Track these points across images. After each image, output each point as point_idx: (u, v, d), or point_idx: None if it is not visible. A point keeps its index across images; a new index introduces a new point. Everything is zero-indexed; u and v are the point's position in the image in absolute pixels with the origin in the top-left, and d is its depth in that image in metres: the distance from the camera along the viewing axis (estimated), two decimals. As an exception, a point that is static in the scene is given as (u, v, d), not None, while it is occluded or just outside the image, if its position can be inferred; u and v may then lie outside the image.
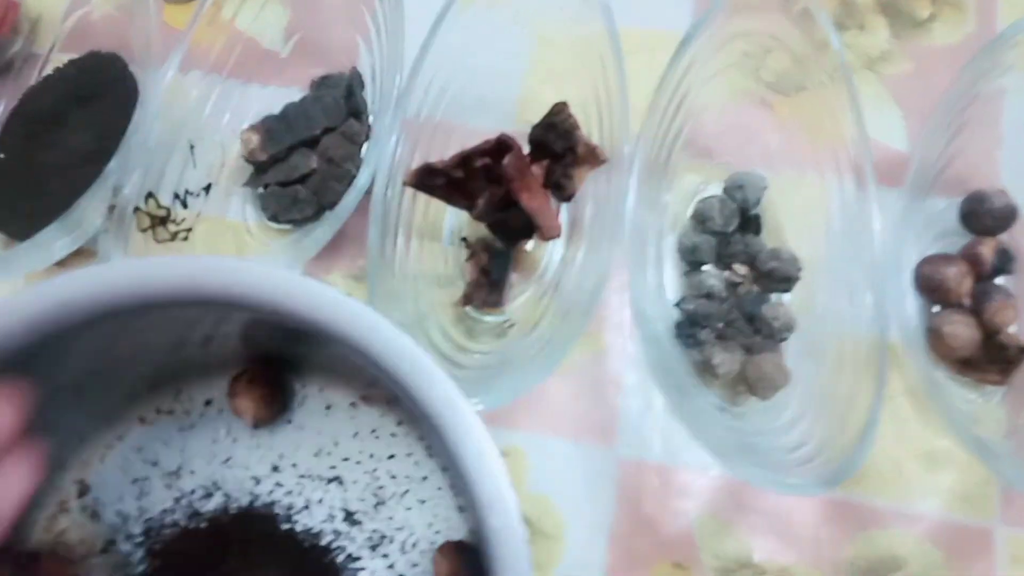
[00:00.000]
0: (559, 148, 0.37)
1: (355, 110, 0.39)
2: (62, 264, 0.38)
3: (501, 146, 0.35)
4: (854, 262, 0.36)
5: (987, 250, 0.37)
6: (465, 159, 0.36)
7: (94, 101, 0.41)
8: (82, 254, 0.39)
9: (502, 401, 0.30)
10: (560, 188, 0.37)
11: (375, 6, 0.40)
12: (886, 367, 0.32)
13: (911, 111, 0.43)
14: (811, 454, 0.32)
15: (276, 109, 0.41)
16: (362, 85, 0.40)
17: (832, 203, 0.38)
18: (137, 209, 0.35)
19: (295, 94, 0.42)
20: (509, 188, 0.35)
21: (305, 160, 0.39)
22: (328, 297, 0.27)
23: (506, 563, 0.25)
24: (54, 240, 0.36)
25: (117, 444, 0.37)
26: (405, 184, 0.37)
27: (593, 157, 0.37)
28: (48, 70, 0.43)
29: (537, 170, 0.37)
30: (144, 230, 0.35)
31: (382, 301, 0.34)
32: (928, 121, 0.36)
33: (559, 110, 0.37)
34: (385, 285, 0.35)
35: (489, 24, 0.39)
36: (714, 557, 0.36)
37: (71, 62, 0.42)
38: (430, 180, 0.37)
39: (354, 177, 0.37)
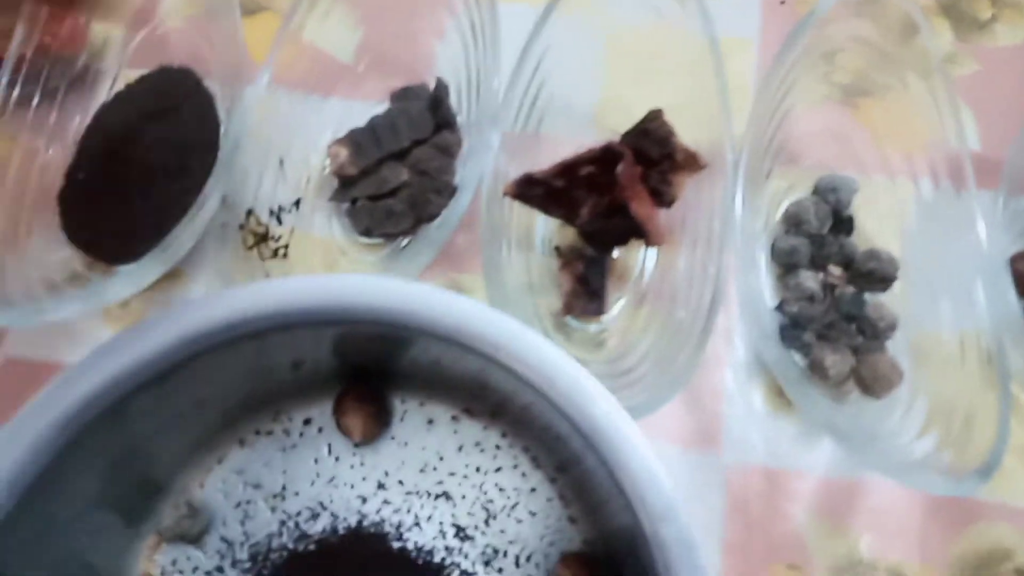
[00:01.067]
0: (655, 154, 0.37)
1: (444, 121, 0.39)
2: (152, 288, 0.37)
3: (609, 155, 0.35)
4: (950, 262, 0.36)
5: (1075, 245, 0.38)
6: (568, 168, 0.36)
7: (168, 116, 0.40)
8: (172, 276, 0.38)
9: (637, 416, 0.30)
10: (659, 194, 0.37)
11: (463, 15, 0.39)
12: (1005, 363, 0.32)
13: (981, 111, 0.44)
14: (934, 448, 0.32)
15: (356, 122, 0.41)
16: (448, 95, 0.40)
17: (920, 204, 0.39)
18: (242, 227, 0.34)
19: (373, 107, 0.42)
20: (621, 196, 0.35)
21: (395, 173, 0.38)
22: (492, 319, 0.27)
23: (683, 572, 0.25)
24: (152, 267, 0.35)
25: (217, 468, 0.36)
26: (505, 195, 0.36)
27: (693, 163, 0.37)
28: (119, 86, 0.42)
29: (635, 177, 0.37)
30: (250, 248, 0.34)
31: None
32: None
33: (654, 117, 0.37)
34: (497, 297, 0.34)
35: (573, 30, 0.39)
36: (826, 557, 0.36)
37: (142, 78, 0.41)
38: (530, 190, 0.37)
39: (454, 188, 0.37)
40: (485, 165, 0.36)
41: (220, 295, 0.28)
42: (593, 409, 0.27)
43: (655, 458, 0.26)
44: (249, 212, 0.35)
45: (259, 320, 0.28)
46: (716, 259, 0.35)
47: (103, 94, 0.42)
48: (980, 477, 0.29)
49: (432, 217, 0.37)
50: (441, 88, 0.39)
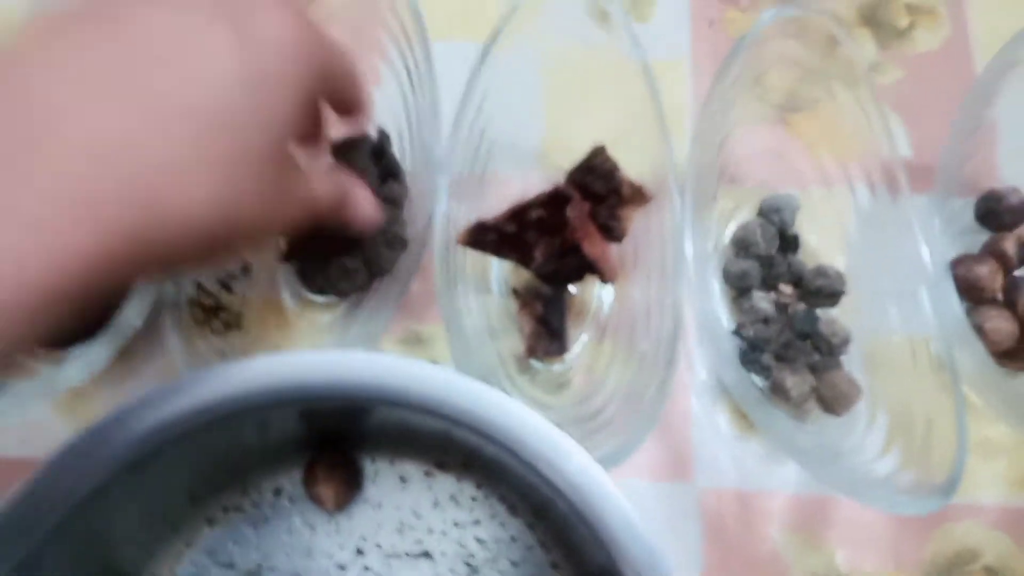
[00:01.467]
0: (601, 190, 0.37)
1: (389, 171, 0.39)
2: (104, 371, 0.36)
3: (558, 197, 0.35)
4: (893, 269, 0.37)
5: (1010, 245, 0.39)
6: (518, 213, 0.36)
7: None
8: (124, 356, 0.37)
9: (612, 465, 0.30)
10: (608, 230, 0.37)
11: (397, 59, 0.39)
12: (955, 367, 0.33)
13: (909, 117, 0.45)
14: (898, 465, 0.33)
15: None
16: (390, 144, 0.39)
17: (860, 213, 0.40)
18: (191, 301, 0.33)
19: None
20: (572, 237, 0.35)
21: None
22: (455, 385, 0.27)
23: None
24: (101, 352, 0.34)
25: (187, 551, 0.35)
26: (459, 243, 0.36)
27: (640, 196, 0.37)
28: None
29: (582, 214, 0.37)
30: (201, 323, 0.33)
31: (461, 362, 0.34)
32: (952, 126, 0.38)
33: (598, 153, 0.37)
34: (458, 346, 0.34)
35: (510, 68, 0.39)
36: (807, 574, 0.37)
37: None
38: (483, 236, 0.37)
39: (405, 241, 0.37)
40: (435, 211, 0.36)
41: (183, 382, 0.27)
42: (566, 465, 0.27)
43: (632, 509, 0.26)
44: (198, 285, 0.34)
45: (227, 404, 0.27)
46: (672, 288, 0.35)
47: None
48: (943, 494, 0.30)
49: (385, 272, 0.37)
50: (383, 137, 0.39)
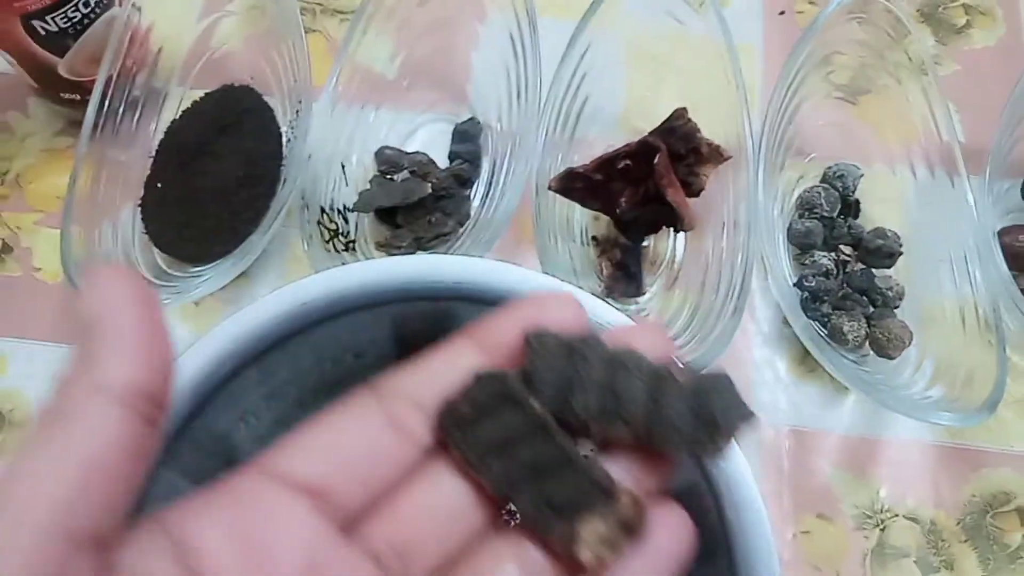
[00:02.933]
0: (681, 149, 0.41)
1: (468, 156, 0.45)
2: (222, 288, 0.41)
3: (645, 149, 0.39)
4: (946, 238, 0.41)
5: (1054, 220, 0.43)
6: (607, 162, 0.41)
7: (234, 130, 0.44)
8: (238, 278, 0.42)
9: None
10: (687, 185, 0.42)
11: (499, 27, 0.44)
12: (1001, 326, 0.37)
13: (963, 107, 0.49)
14: (940, 398, 0.37)
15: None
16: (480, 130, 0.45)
17: (917, 189, 0.44)
18: (319, 223, 0.38)
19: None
20: (658, 185, 0.39)
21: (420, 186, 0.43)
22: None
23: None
24: (229, 269, 0.39)
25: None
26: (550, 188, 0.41)
27: (717, 155, 0.41)
28: (186, 104, 0.45)
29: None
30: (327, 241, 0.38)
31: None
32: (1003, 116, 0.42)
33: (679, 115, 0.42)
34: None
35: (604, 40, 0.44)
36: (852, 506, 0.40)
37: (207, 96, 0.45)
38: (572, 184, 0.41)
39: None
40: (532, 167, 0.41)
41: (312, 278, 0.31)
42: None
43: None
44: (322, 210, 0.39)
45: (390, 292, 0.31)
46: (744, 244, 0.39)
47: (173, 112, 0.45)
48: (987, 410, 0.33)
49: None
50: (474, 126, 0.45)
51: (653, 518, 0.17)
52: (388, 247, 0.42)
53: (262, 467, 0.17)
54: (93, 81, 0.40)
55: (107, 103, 0.40)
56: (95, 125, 0.39)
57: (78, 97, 0.45)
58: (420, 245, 0.43)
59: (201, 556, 0.15)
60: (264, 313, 0.30)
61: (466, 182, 0.45)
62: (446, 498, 0.18)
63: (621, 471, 0.18)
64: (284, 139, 0.44)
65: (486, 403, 0.17)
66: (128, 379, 0.15)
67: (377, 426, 0.18)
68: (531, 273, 0.31)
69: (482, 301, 0.31)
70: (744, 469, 0.27)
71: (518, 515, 0.18)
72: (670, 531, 0.18)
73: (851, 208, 0.44)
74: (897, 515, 0.40)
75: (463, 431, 0.17)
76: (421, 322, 0.36)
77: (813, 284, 0.41)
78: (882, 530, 0.40)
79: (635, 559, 0.17)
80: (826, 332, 0.41)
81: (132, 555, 0.15)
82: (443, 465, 0.18)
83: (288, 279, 0.39)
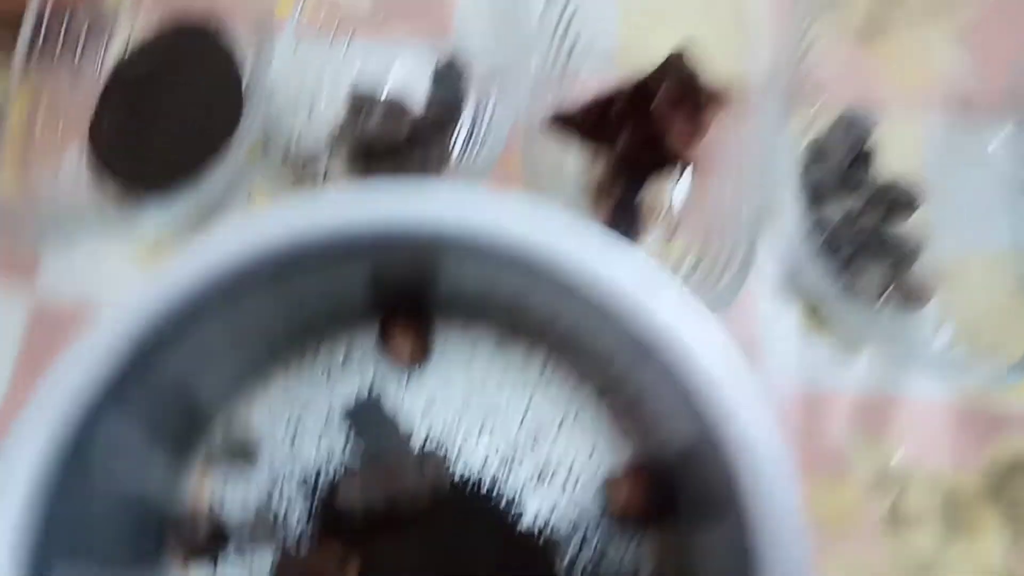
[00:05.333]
0: (677, 94, 0.38)
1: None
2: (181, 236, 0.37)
3: (642, 91, 0.36)
4: (968, 190, 0.39)
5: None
6: (602, 103, 0.37)
7: (187, 68, 0.40)
8: (201, 228, 0.38)
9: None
10: (686, 133, 0.38)
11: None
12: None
13: (986, 51, 0.45)
14: (966, 356, 0.34)
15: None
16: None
17: (935, 138, 0.41)
18: (285, 162, 0.34)
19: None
20: (656, 128, 0.36)
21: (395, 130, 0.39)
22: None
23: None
24: (184, 202, 0.35)
25: (263, 392, 0.37)
26: (545, 127, 0.37)
27: (717, 101, 0.38)
28: (136, 36, 0.41)
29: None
30: (294, 182, 0.34)
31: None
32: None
33: (676, 57, 0.38)
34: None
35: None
36: (864, 469, 0.38)
37: (160, 34, 0.41)
38: (564, 125, 0.38)
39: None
40: (519, 108, 0.37)
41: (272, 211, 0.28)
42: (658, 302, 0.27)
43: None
44: (287, 152, 0.35)
45: (317, 231, 0.27)
46: (753, 192, 0.36)
47: (122, 44, 0.41)
48: (1021, 369, 0.31)
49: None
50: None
51: None
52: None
53: None
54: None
55: (42, 31, 0.36)
56: (28, 54, 0.35)
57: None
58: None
59: None
60: (225, 244, 0.27)
61: (445, 125, 0.41)
62: None
63: None
64: (245, 76, 0.40)
65: None
66: None
67: None
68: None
69: (472, 241, 0.28)
70: (770, 424, 0.25)
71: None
72: None
73: (866, 156, 0.41)
74: (914, 476, 0.38)
75: None
76: (399, 265, 0.33)
77: (825, 235, 0.38)
78: (898, 493, 0.37)
79: None
80: (839, 285, 0.38)
81: None
82: None
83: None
